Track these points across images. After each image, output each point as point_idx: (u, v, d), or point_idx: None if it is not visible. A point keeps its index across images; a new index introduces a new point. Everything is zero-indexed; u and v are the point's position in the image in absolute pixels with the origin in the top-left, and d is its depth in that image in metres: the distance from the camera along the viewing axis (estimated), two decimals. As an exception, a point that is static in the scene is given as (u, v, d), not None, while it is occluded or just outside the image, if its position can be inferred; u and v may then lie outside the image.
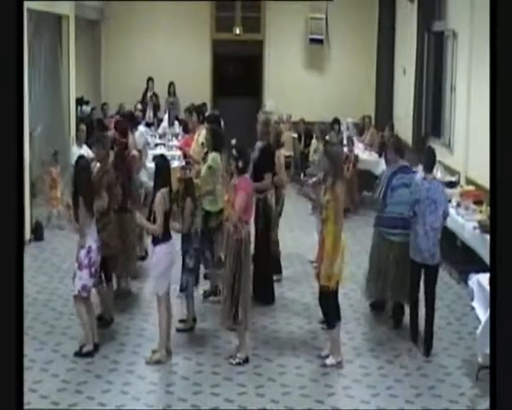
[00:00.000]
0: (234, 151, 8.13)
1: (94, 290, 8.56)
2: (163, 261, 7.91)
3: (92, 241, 8.05)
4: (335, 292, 8.01)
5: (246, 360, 8.00)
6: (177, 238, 8.48)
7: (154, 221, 7.84)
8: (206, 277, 10.24)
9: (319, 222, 8.50)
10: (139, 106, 18.20)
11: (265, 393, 7.39)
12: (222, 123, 17.41)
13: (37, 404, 7.01)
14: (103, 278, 8.88)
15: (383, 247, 9.15)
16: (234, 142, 8.54)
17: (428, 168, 8.75)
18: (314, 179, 10.36)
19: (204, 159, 9.75)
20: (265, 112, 12.06)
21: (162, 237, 7.89)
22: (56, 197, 13.20)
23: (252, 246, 8.53)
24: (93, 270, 8.05)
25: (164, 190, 7.85)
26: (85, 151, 13.63)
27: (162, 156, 8.68)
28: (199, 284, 9.13)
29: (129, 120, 11.23)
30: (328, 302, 8.03)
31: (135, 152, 10.58)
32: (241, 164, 8.01)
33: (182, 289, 8.75)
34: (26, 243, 11.88)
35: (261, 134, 10.17)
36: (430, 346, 8.46)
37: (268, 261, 9.92)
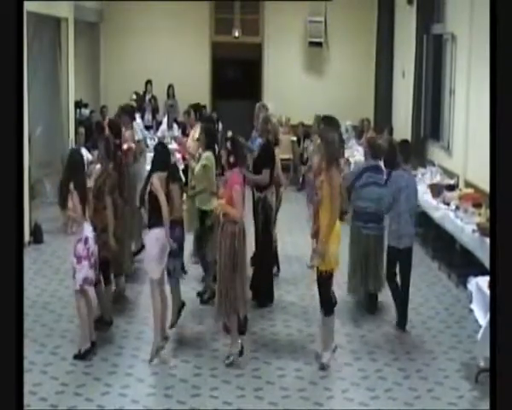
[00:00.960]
0: (228, 144, 8.09)
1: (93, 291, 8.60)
2: (155, 245, 7.90)
3: (88, 231, 8.04)
4: (331, 277, 8.00)
5: (241, 353, 7.99)
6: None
7: (151, 206, 7.83)
8: (203, 280, 10.25)
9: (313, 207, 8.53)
10: (134, 96, 18.11)
11: (264, 396, 7.38)
12: (220, 125, 17.55)
13: (36, 406, 7.00)
14: (101, 279, 8.88)
15: (361, 241, 9.62)
16: (229, 134, 8.50)
17: (405, 160, 9.34)
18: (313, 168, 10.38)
19: (198, 157, 9.77)
20: (264, 105, 12.04)
21: (155, 222, 7.88)
22: None
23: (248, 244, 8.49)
24: (92, 260, 8.05)
25: (161, 174, 7.83)
26: (84, 154, 13.65)
27: (161, 143, 8.70)
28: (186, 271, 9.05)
29: (129, 115, 11.29)
30: (326, 288, 8.01)
31: (132, 144, 10.62)
32: (232, 159, 7.96)
33: (169, 274, 8.70)
34: (26, 245, 11.87)
35: (261, 131, 10.19)
36: (406, 321, 9.17)
37: (268, 262, 9.92)
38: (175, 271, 8.71)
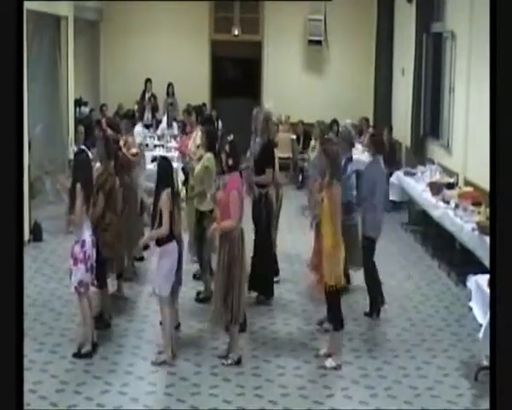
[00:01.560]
0: (226, 147, 8.11)
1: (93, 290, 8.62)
2: (166, 262, 7.90)
3: (87, 235, 8.04)
4: (339, 292, 8.01)
5: (238, 361, 8.00)
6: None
7: (160, 221, 7.85)
8: (195, 276, 10.26)
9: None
10: (136, 107, 18.19)
11: (264, 394, 7.38)
12: (220, 124, 17.54)
13: (36, 405, 7.00)
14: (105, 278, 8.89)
15: (346, 231, 9.57)
16: (230, 138, 8.52)
17: (379, 152, 9.68)
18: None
19: (199, 159, 9.76)
20: (261, 110, 12.01)
21: (166, 238, 7.88)
22: None
23: (248, 244, 8.49)
24: (89, 264, 8.03)
25: (168, 191, 7.84)
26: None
27: (165, 158, 8.67)
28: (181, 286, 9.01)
29: (129, 120, 11.22)
30: (336, 303, 8.02)
31: (134, 150, 10.59)
32: (231, 162, 7.98)
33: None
34: (25, 243, 11.86)
35: (262, 131, 10.18)
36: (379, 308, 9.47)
37: (268, 259, 9.92)
38: (174, 288, 8.59)
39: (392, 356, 8.33)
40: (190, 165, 10.20)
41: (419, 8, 15.43)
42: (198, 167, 9.62)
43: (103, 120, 12.48)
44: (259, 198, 9.78)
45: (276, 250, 10.52)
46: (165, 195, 7.81)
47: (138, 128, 12.41)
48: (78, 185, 7.91)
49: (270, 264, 10.01)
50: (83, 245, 7.97)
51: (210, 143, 9.65)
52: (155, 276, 8.09)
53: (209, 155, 9.58)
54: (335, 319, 8.10)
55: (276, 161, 10.33)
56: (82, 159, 8.24)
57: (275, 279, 10.30)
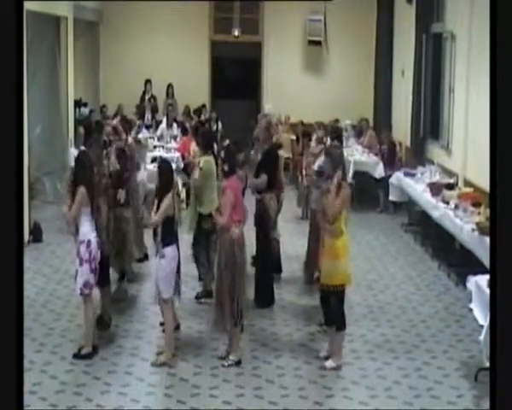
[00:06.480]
0: (222, 153, 8.17)
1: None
2: (168, 264, 7.89)
3: (91, 235, 8.03)
4: (342, 293, 7.99)
5: (238, 363, 8.00)
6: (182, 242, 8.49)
7: (164, 225, 7.86)
8: (200, 278, 10.26)
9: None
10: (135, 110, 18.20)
11: (264, 395, 7.38)
12: (220, 125, 17.55)
13: (36, 406, 6.99)
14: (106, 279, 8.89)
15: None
16: (227, 142, 8.56)
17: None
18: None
19: (198, 162, 9.75)
20: (266, 115, 12.06)
21: (166, 241, 7.87)
22: None
23: (248, 248, 8.51)
24: (93, 265, 8.02)
25: (169, 194, 7.83)
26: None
27: (165, 160, 8.68)
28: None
29: (127, 125, 11.24)
30: (337, 303, 8.00)
31: (130, 139, 10.64)
32: (226, 167, 8.02)
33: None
34: (25, 244, 11.85)
35: (263, 139, 10.20)
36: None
37: (268, 264, 9.92)
38: (175, 289, 8.57)
39: (392, 357, 8.33)
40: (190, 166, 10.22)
41: (419, 8, 15.44)
42: (196, 173, 9.57)
43: (117, 119, 12.42)
44: (256, 205, 9.86)
45: (280, 249, 10.55)
46: (169, 199, 7.83)
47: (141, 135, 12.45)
48: (82, 188, 7.90)
49: (269, 271, 10.01)
50: (88, 245, 7.96)
51: (206, 144, 9.63)
52: (156, 278, 8.09)
53: (206, 157, 9.54)
54: (337, 318, 8.06)
55: (281, 163, 10.35)
56: (84, 157, 8.24)
57: (276, 276, 10.30)
